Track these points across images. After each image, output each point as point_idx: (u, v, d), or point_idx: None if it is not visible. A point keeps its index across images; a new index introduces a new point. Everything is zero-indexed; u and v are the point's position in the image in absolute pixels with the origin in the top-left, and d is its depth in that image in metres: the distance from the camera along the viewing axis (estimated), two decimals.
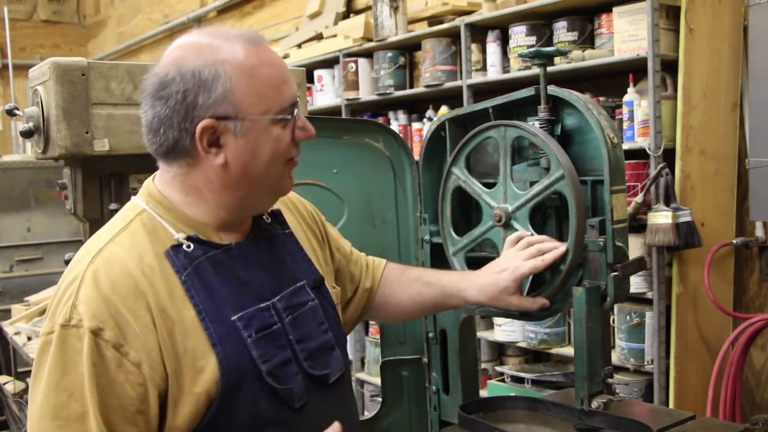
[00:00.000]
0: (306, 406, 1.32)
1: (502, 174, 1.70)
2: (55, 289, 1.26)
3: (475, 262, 1.86)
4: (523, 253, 1.60)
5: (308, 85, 4.32)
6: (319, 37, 4.64)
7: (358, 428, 1.51)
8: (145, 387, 1.18)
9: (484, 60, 3.61)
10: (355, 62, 4.20)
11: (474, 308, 1.88)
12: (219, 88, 1.23)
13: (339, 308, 1.49)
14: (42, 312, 3.85)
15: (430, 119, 3.95)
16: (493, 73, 3.54)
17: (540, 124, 1.67)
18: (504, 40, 3.51)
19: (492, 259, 1.78)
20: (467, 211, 1.87)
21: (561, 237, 1.68)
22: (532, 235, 1.65)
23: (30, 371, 1.24)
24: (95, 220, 2.25)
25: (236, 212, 1.34)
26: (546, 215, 1.71)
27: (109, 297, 1.19)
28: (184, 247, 1.27)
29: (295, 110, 1.32)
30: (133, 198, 1.37)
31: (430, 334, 1.98)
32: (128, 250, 1.25)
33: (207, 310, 1.24)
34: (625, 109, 2.99)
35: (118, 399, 1.17)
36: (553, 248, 1.59)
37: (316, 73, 4.53)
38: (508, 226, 1.69)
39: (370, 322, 4.22)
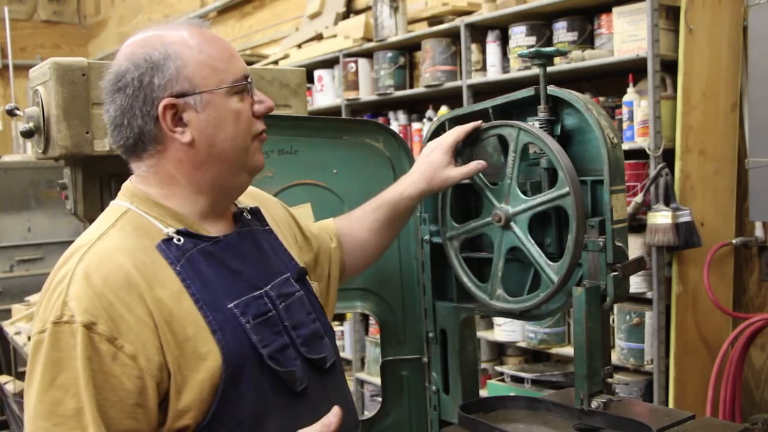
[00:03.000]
0: (306, 391, 1.34)
1: (509, 176, 1.70)
2: (44, 288, 1.26)
3: (474, 263, 1.86)
4: (445, 133, 1.76)
5: (308, 85, 4.32)
6: (319, 37, 4.65)
7: (355, 413, 1.53)
8: (143, 379, 1.18)
9: (484, 60, 3.61)
10: (355, 62, 4.20)
11: (474, 308, 1.88)
12: (171, 66, 1.28)
13: (321, 301, 1.53)
14: None
15: (430, 119, 3.95)
16: (493, 73, 3.54)
17: (540, 124, 1.67)
18: (504, 41, 3.51)
19: (491, 259, 1.78)
20: (466, 210, 1.87)
21: (561, 238, 1.69)
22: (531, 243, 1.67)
23: None
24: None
25: (213, 195, 1.35)
26: (546, 217, 1.71)
27: (101, 291, 1.19)
28: (175, 240, 1.28)
29: (249, 83, 1.35)
30: (113, 201, 1.38)
31: (430, 334, 1.98)
32: (118, 244, 1.26)
33: (204, 299, 1.26)
34: (624, 110, 2.99)
35: (116, 393, 1.17)
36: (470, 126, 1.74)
37: (316, 73, 4.53)
38: (506, 228, 1.70)
39: (370, 322, 4.22)
